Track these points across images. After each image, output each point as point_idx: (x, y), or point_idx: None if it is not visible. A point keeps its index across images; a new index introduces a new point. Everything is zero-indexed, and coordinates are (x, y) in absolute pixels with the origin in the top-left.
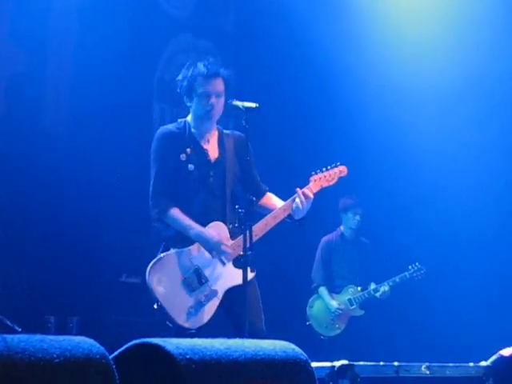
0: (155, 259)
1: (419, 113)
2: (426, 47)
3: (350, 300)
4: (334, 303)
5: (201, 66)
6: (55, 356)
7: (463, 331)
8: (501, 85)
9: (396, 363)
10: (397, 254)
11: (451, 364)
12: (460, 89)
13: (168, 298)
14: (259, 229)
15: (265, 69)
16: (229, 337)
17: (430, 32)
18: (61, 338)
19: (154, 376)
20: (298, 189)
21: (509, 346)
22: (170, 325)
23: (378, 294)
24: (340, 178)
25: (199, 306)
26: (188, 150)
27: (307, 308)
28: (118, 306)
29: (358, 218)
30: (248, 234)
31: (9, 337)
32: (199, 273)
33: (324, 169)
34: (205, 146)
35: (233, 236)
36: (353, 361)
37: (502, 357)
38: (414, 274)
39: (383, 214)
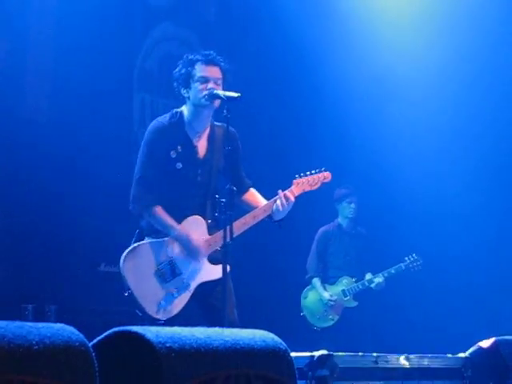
0: (130, 247)
1: (409, 107)
2: (413, 42)
3: (343, 291)
4: (326, 294)
5: (199, 54)
6: (34, 343)
7: (451, 322)
8: (489, 76)
9: (375, 354)
10: (391, 245)
11: (430, 355)
12: (451, 82)
13: (140, 287)
14: (237, 227)
15: (247, 59)
16: None
17: (415, 29)
18: (40, 325)
19: (134, 364)
20: (279, 191)
21: (488, 337)
22: (140, 314)
23: (372, 285)
24: (323, 184)
25: (170, 297)
26: (179, 147)
27: (301, 299)
28: (97, 295)
29: (353, 206)
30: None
31: None
32: (173, 265)
33: (308, 173)
34: (195, 143)
35: (210, 232)
36: (343, 351)
37: (480, 348)
38: (410, 266)
39: (375, 206)
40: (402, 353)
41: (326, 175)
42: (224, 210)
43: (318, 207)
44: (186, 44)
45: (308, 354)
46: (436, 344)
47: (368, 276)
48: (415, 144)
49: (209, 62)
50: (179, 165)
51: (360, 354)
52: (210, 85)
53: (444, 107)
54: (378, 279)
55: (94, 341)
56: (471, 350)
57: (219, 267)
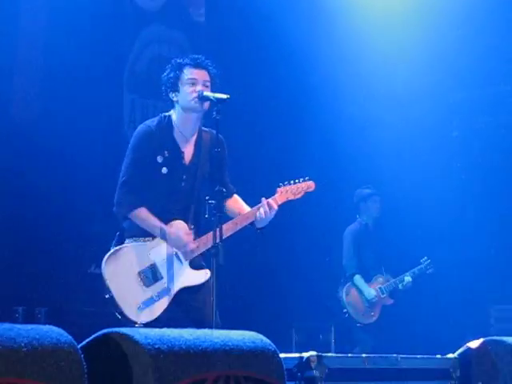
0: (112, 250)
1: (400, 108)
2: (402, 41)
3: (380, 289)
4: (372, 291)
5: (188, 58)
6: (23, 345)
7: (440, 323)
8: (481, 74)
9: (364, 355)
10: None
11: (419, 356)
12: (441, 81)
13: (120, 290)
14: (208, 241)
15: (237, 61)
16: None
17: (402, 28)
18: (29, 326)
19: (123, 365)
20: (263, 198)
21: (476, 338)
22: (119, 316)
23: (401, 285)
24: (306, 193)
25: (150, 301)
26: (166, 152)
27: (343, 295)
28: (87, 297)
29: (378, 205)
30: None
31: None
32: (155, 269)
33: (292, 182)
34: (183, 149)
35: (193, 237)
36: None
37: (469, 349)
38: (427, 268)
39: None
40: (391, 353)
41: (309, 184)
42: (214, 212)
43: (306, 209)
44: (176, 46)
45: (297, 355)
46: (425, 345)
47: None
48: (406, 145)
49: (197, 65)
50: (165, 170)
51: (349, 355)
52: (199, 87)
53: (435, 107)
54: (408, 278)
55: (83, 342)
56: (460, 350)
57: (200, 272)
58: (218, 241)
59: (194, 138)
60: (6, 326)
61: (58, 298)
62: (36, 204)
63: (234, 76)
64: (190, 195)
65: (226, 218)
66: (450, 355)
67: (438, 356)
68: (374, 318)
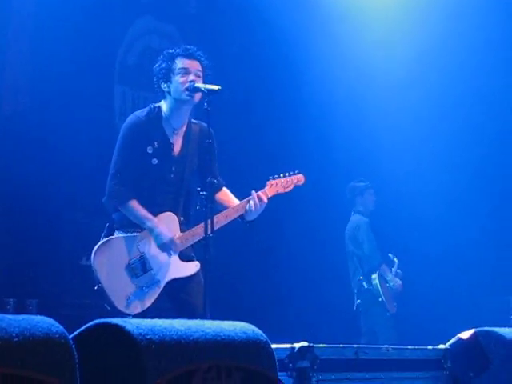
0: (102, 241)
1: (394, 102)
2: (396, 32)
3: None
4: (397, 280)
5: (180, 48)
6: (14, 335)
7: (431, 314)
8: (473, 67)
9: (355, 345)
10: None
11: (410, 346)
12: (435, 75)
13: (110, 281)
14: (198, 233)
15: (228, 52)
16: None
17: (399, 16)
18: (20, 317)
19: (114, 356)
20: (253, 191)
21: (467, 329)
22: (108, 308)
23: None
24: (296, 187)
25: (140, 292)
26: (155, 143)
27: (378, 285)
28: (78, 289)
29: (373, 198)
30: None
31: None
32: (144, 260)
33: (282, 175)
34: (171, 140)
35: (182, 229)
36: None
37: (460, 340)
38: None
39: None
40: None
41: (299, 178)
42: (205, 203)
43: (299, 200)
44: (167, 37)
45: (288, 345)
46: (416, 336)
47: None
48: (400, 139)
49: (189, 55)
50: (155, 160)
51: (341, 345)
52: (191, 77)
53: (429, 101)
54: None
55: (75, 333)
56: (451, 341)
57: (190, 264)
58: (209, 232)
59: (183, 129)
60: None
61: (49, 290)
62: (27, 196)
63: (226, 68)
64: (179, 187)
65: (215, 209)
66: (442, 346)
67: (430, 347)
68: (396, 309)
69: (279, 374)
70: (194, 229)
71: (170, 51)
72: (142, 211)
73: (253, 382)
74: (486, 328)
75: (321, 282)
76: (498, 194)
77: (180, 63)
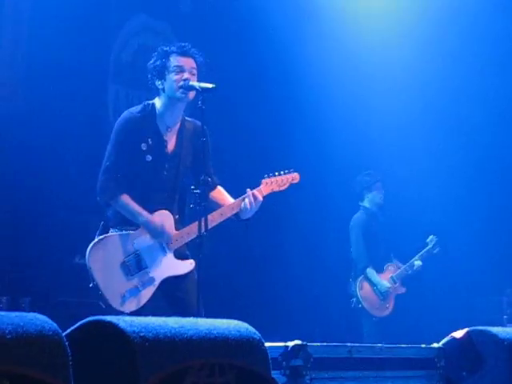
0: (97, 239)
1: (392, 100)
2: (394, 28)
3: (392, 278)
4: (385, 283)
5: (174, 46)
6: (7, 332)
7: (425, 313)
8: (473, 65)
9: (349, 344)
10: None
11: (404, 345)
12: (435, 69)
13: (104, 279)
14: (192, 231)
15: (223, 51)
16: None
17: (397, 13)
18: (13, 314)
19: (108, 353)
20: (248, 189)
21: (461, 328)
22: (103, 306)
23: (411, 270)
24: (291, 185)
25: (135, 291)
26: (149, 140)
27: (357, 290)
28: (72, 288)
29: (382, 191)
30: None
31: None
32: (139, 258)
33: (277, 173)
34: (165, 137)
35: (177, 227)
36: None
37: (453, 339)
38: (435, 247)
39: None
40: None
41: (294, 176)
42: (199, 201)
43: (295, 198)
44: (161, 36)
45: (282, 344)
46: (410, 335)
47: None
48: (398, 138)
49: (184, 53)
50: (149, 157)
51: (334, 344)
52: (186, 75)
53: (428, 100)
54: (418, 262)
55: (68, 330)
56: (445, 340)
57: (185, 262)
58: (203, 231)
59: (177, 127)
60: None
61: (42, 288)
62: (20, 195)
63: (220, 66)
64: (173, 185)
65: (210, 208)
66: (435, 345)
67: (423, 345)
68: (389, 310)
69: (272, 372)
70: (188, 227)
71: (165, 48)
72: (135, 206)
73: (246, 380)
74: (480, 327)
75: (315, 281)
76: (493, 195)
77: (175, 61)
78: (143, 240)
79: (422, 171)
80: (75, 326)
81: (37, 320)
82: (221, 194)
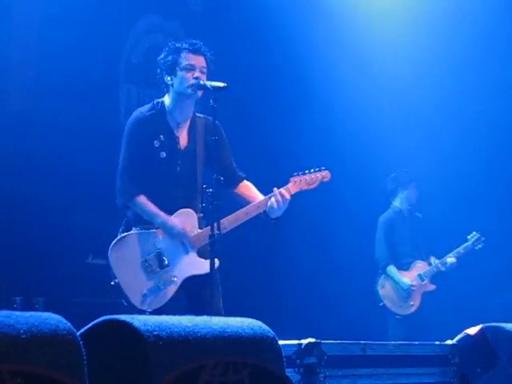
0: (119, 237)
1: (400, 98)
2: (400, 24)
3: (420, 275)
4: (406, 280)
5: (186, 42)
6: (22, 332)
7: (439, 310)
8: (479, 62)
9: (362, 342)
10: None
11: (417, 342)
12: (440, 64)
13: (126, 277)
14: (229, 222)
15: (234, 50)
16: None
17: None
18: (28, 314)
19: (122, 352)
20: (275, 188)
21: (475, 325)
22: (125, 303)
23: (446, 267)
24: (321, 183)
25: (156, 289)
26: (161, 136)
27: (378, 288)
28: (85, 287)
29: (417, 192)
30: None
31: None
32: (161, 257)
33: (307, 171)
34: (176, 134)
35: (201, 225)
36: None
37: (467, 335)
38: (476, 243)
39: (362, 201)
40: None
41: (324, 174)
42: (211, 201)
43: (304, 200)
44: (173, 35)
45: (296, 341)
46: (424, 332)
47: (433, 259)
48: (406, 137)
49: (195, 50)
50: (163, 154)
51: (348, 341)
52: (196, 73)
53: (436, 97)
54: (451, 260)
55: (82, 329)
56: (458, 337)
57: (208, 261)
58: (215, 231)
59: (188, 123)
60: (5, 312)
61: (55, 288)
62: (34, 195)
63: (231, 65)
64: (190, 182)
65: (237, 203)
66: (449, 342)
67: (437, 342)
68: (414, 308)
69: (286, 370)
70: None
71: (177, 45)
72: (152, 207)
73: (260, 378)
74: (494, 324)
75: (328, 279)
76: (505, 191)
77: (186, 59)
78: (165, 238)
79: (433, 168)
80: (89, 325)
81: (51, 319)
82: (248, 189)
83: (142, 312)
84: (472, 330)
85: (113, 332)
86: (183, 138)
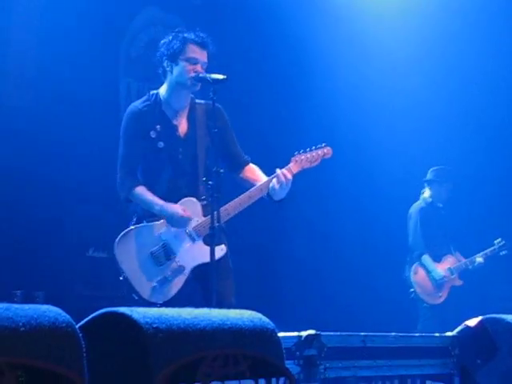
0: (124, 231)
1: (403, 91)
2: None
3: (450, 269)
4: (440, 271)
5: (194, 34)
6: (21, 324)
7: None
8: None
9: (362, 333)
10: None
11: (417, 334)
12: (439, 48)
13: (134, 271)
14: (232, 208)
15: (234, 43)
16: None
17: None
18: (26, 306)
19: (121, 345)
20: (277, 169)
21: (475, 316)
22: (136, 297)
23: (472, 266)
24: (323, 160)
25: (165, 281)
26: (158, 126)
27: (411, 274)
28: (85, 281)
29: (450, 193)
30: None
31: None
32: (167, 248)
33: (308, 149)
34: (174, 122)
35: (205, 213)
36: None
37: (467, 327)
38: (501, 249)
39: (358, 192)
40: (391, 331)
41: (326, 151)
42: (211, 193)
43: (305, 191)
44: (172, 29)
45: (295, 333)
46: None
47: (458, 255)
48: (408, 129)
49: (201, 44)
50: (161, 144)
51: (348, 333)
52: (198, 68)
53: (435, 87)
54: (480, 260)
55: (82, 322)
56: (459, 328)
57: (216, 249)
58: (215, 223)
59: (186, 110)
60: (4, 305)
61: (56, 282)
62: (33, 188)
63: (232, 58)
64: (192, 170)
65: (243, 187)
66: (449, 333)
67: (437, 334)
68: (442, 299)
69: (286, 362)
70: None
71: (185, 34)
72: (149, 196)
73: (260, 370)
74: (494, 315)
75: (329, 271)
76: (506, 182)
77: (191, 51)
78: (169, 229)
79: (434, 159)
80: (89, 317)
81: (50, 312)
82: (253, 172)
83: (153, 305)
84: (472, 322)
85: (112, 324)
86: (183, 126)
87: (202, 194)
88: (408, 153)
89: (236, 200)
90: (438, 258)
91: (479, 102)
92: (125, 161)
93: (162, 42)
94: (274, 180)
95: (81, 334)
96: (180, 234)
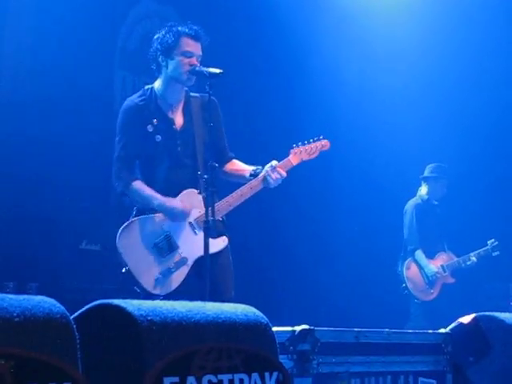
0: (126, 223)
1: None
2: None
3: (442, 266)
4: (433, 267)
5: (187, 27)
6: (15, 315)
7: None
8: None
9: (356, 329)
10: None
11: (411, 331)
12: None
13: (137, 263)
14: (233, 199)
15: (230, 35)
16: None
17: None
18: (21, 297)
19: (115, 337)
20: (275, 161)
21: (468, 314)
22: (138, 290)
23: (465, 264)
24: (321, 152)
25: (168, 272)
26: (154, 120)
27: (403, 270)
28: (78, 273)
29: (445, 190)
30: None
31: None
32: (170, 239)
33: (306, 142)
34: (170, 116)
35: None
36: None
37: (460, 324)
38: (494, 250)
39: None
40: (385, 328)
41: (324, 143)
42: (206, 187)
43: (301, 186)
44: (168, 21)
45: (289, 328)
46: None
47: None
48: (410, 126)
49: (196, 37)
50: (158, 137)
51: (341, 328)
52: (193, 61)
53: (437, 85)
54: (473, 259)
55: (76, 313)
56: (452, 325)
57: (217, 240)
58: (210, 217)
59: (181, 104)
60: None
61: (49, 274)
62: (26, 182)
63: (226, 50)
64: (191, 162)
65: (229, 180)
66: (442, 330)
67: (430, 331)
68: (433, 296)
69: (280, 356)
70: (217, 204)
71: (179, 28)
72: (148, 190)
73: (253, 365)
74: (487, 313)
75: (324, 267)
76: (499, 182)
77: (185, 44)
78: (172, 220)
79: (432, 156)
80: (83, 309)
81: (44, 303)
82: (235, 164)
83: (156, 296)
84: (465, 319)
85: (106, 316)
86: (178, 119)
87: (202, 186)
88: (404, 149)
89: (237, 191)
90: (431, 255)
91: (475, 99)
92: (122, 156)
93: (156, 37)
94: (269, 177)
95: (75, 326)
96: (182, 226)
